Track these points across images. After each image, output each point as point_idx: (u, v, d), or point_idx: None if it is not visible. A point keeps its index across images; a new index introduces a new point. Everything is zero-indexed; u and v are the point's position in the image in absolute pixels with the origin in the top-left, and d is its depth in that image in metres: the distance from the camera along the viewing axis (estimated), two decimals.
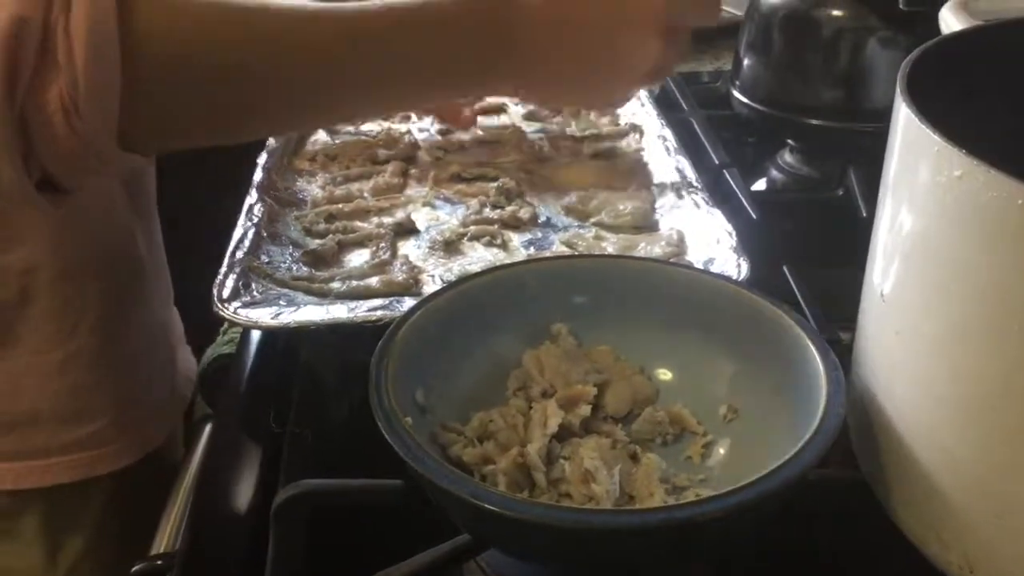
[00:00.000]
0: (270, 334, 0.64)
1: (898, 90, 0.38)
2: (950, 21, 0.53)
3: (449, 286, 0.52)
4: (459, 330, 0.50)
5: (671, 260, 0.62)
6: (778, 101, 0.84)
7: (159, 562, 0.62)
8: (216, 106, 0.53)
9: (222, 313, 0.58)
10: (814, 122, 0.81)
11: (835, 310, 0.60)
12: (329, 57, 0.54)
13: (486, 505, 0.38)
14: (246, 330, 0.66)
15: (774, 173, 0.88)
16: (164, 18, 0.49)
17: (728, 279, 0.55)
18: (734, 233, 0.63)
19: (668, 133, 0.80)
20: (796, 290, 0.64)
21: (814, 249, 0.71)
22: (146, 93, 0.49)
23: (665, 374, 0.51)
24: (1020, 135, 0.43)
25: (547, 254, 0.66)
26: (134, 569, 0.58)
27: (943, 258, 0.35)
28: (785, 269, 0.67)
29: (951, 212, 0.34)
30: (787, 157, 0.88)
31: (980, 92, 0.43)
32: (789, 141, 0.88)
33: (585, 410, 0.48)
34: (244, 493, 0.54)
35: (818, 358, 0.44)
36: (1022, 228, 0.32)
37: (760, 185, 0.88)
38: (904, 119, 0.37)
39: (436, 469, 0.40)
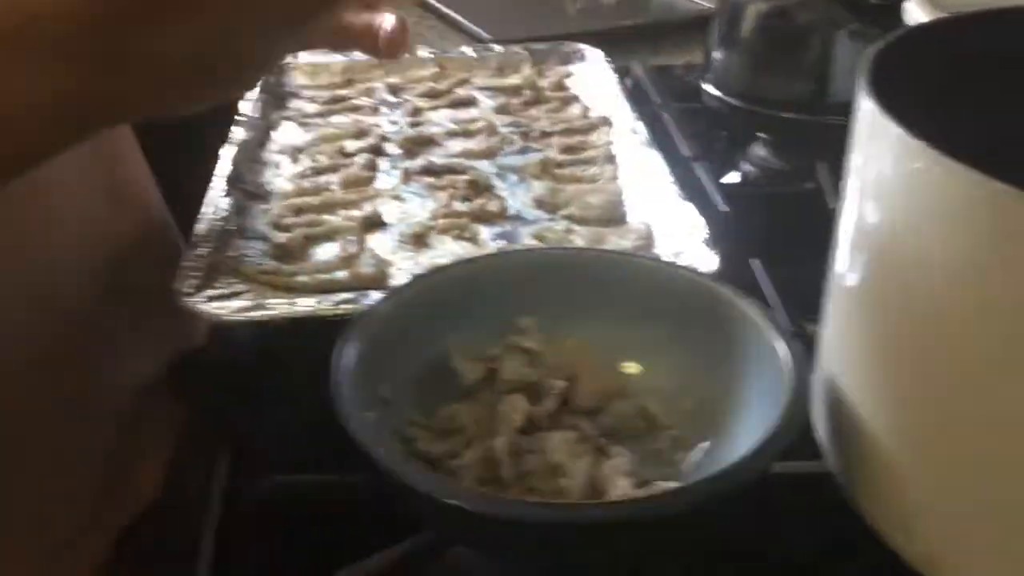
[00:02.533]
0: (237, 328, 0.63)
1: (859, 81, 0.38)
2: (915, 13, 0.53)
3: (415, 279, 0.51)
4: (425, 324, 0.49)
5: (640, 253, 0.62)
6: (748, 94, 0.84)
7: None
8: None
9: (187, 307, 0.58)
10: (784, 115, 0.81)
11: (804, 303, 0.60)
12: None
13: (450, 500, 0.38)
14: (212, 325, 0.65)
15: (745, 166, 0.88)
16: None
17: (696, 272, 0.55)
18: (703, 226, 0.63)
19: (639, 126, 0.79)
20: (764, 283, 0.64)
21: (784, 242, 0.71)
22: None
23: (633, 367, 0.51)
24: (984, 128, 0.43)
25: (516, 247, 0.66)
26: None
27: (904, 250, 0.35)
28: (754, 262, 0.67)
29: (911, 204, 0.34)
30: (758, 150, 0.88)
31: (945, 84, 0.43)
32: (760, 134, 0.88)
33: (552, 403, 0.48)
34: (210, 489, 0.53)
35: (783, 351, 0.44)
36: (981, 219, 0.32)
37: (732, 178, 0.88)
38: (865, 110, 0.37)
39: (400, 464, 0.39)
